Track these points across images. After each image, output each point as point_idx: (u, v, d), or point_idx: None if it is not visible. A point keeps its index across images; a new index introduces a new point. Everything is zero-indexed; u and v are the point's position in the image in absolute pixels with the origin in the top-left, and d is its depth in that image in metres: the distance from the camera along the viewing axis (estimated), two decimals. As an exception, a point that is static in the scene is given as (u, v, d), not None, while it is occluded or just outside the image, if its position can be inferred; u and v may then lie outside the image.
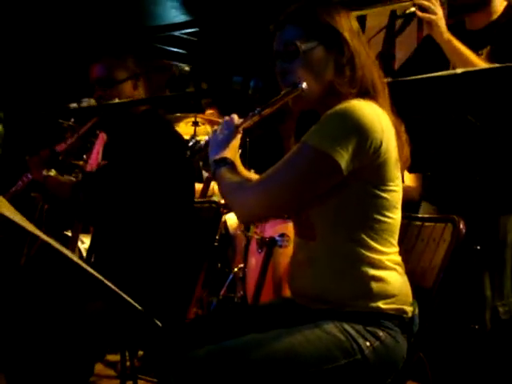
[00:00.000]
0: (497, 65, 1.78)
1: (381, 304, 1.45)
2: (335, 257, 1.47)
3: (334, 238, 1.47)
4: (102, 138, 2.78)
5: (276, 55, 1.54)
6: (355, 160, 1.39)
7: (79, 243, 3.12)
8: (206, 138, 1.62)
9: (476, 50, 2.10)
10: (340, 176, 1.40)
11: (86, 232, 3.23)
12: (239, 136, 1.59)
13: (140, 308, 1.39)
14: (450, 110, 1.73)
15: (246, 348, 1.39)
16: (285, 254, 2.66)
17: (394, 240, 1.51)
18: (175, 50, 5.89)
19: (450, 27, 2.09)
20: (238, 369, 1.36)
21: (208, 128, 3.92)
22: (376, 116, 1.43)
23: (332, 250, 1.48)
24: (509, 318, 2.17)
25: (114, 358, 2.96)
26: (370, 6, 4.40)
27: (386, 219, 1.47)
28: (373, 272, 1.45)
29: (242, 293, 3.16)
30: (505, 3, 2.26)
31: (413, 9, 2.05)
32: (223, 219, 3.51)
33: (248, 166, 3.89)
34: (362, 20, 4.47)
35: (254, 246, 2.99)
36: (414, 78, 1.68)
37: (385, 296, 1.45)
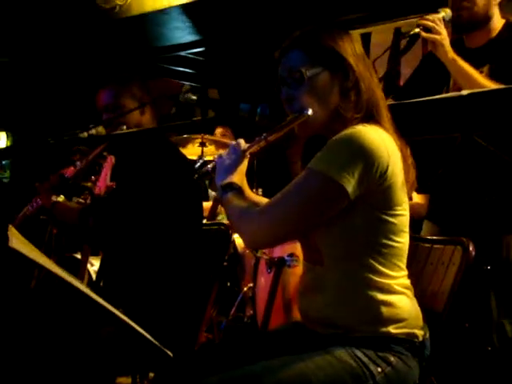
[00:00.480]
0: (502, 86, 1.79)
1: (391, 329, 1.44)
2: (343, 282, 1.47)
3: (342, 264, 1.47)
4: (111, 160, 2.79)
5: (281, 81, 1.55)
6: (362, 185, 1.39)
7: (88, 266, 3.12)
8: (214, 159, 1.62)
9: (476, 67, 2.11)
10: (347, 201, 1.40)
11: (95, 254, 3.24)
12: (246, 161, 1.59)
13: (150, 338, 1.38)
14: (456, 131, 1.73)
15: (258, 375, 1.39)
16: (294, 274, 2.65)
17: (403, 264, 1.51)
18: (182, 69, 5.93)
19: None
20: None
21: (214, 150, 3.92)
22: (382, 141, 1.43)
23: (340, 276, 1.47)
24: None
25: (125, 380, 2.94)
26: (374, 23, 4.44)
27: (394, 244, 1.46)
28: (382, 297, 1.44)
29: (251, 312, 3.14)
30: (503, 21, 2.26)
31: (417, 30, 2.06)
32: (232, 239, 3.50)
33: (256, 184, 3.91)
34: (366, 37, 4.51)
35: (263, 265, 2.98)
36: (421, 99, 1.69)
37: (395, 320, 1.45)
